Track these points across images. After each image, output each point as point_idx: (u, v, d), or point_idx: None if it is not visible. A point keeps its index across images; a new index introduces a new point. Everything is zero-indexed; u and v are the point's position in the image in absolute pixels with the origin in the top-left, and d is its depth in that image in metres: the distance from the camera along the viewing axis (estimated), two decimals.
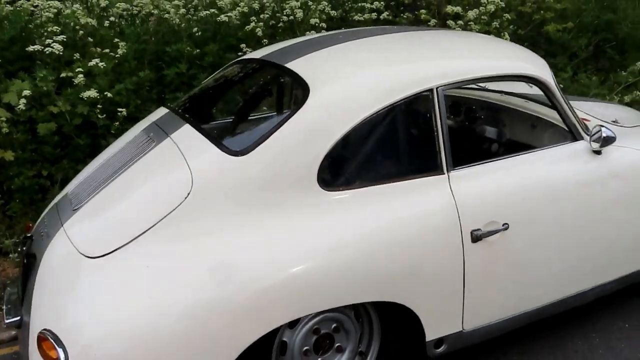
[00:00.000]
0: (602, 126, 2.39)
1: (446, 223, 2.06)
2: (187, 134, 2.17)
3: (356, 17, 4.34)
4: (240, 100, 2.82)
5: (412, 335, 2.11)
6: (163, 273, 1.83)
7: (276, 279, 1.83)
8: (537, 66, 2.42)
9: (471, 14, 4.27)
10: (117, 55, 3.82)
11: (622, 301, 2.81)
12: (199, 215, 1.91)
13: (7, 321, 2.09)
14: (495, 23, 4.39)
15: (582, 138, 2.44)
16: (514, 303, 2.30)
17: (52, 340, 1.75)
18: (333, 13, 4.31)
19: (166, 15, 4.26)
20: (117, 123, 3.58)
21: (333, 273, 1.90)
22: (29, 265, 2.11)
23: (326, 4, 4.25)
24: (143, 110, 3.70)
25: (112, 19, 4.32)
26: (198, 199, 1.92)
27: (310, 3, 4.30)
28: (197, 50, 4.19)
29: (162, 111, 2.56)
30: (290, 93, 2.52)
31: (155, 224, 1.90)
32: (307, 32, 4.19)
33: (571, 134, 2.44)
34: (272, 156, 1.96)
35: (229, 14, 4.28)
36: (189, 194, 1.92)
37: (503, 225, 2.13)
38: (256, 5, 4.40)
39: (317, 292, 1.88)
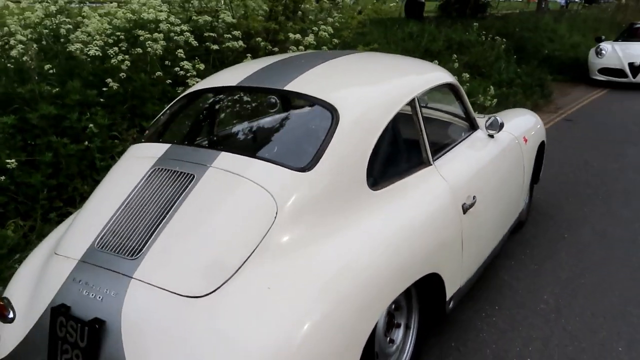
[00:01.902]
0: (495, 116, 3.27)
1: (448, 201, 2.61)
2: (234, 160, 2.22)
3: (213, 47, 4.53)
4: (257, 124, 2.86)
5: (436, 300, 2.59)
6: (288, 285, 1.92)
7: (378, 267, 2.12)
8: (448, 75, 3.16)
9: (308, 39, 4.88)
10: None
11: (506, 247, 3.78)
12: (291, 229, 2.05)
13: None
14: (324, 47, 5.11)
15: (478, 128, 3.28)
16: (479, 255, 2.98)
17: None
18: (195, 43, 4.41)
19: (13, 52, 3.75)
20: None
21: (403, 257, 2.26)
22: (94, 333, 1.88)
23: (189, 35, 4.33)
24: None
25: None
26: (285, 216, 2.05)
27: (172, 34, 4.31)
28: (57, 89, 3.82)
29: (155, 147, 2.45)
30: (308, 113, 2.71)
31: (255, 249, 1.97)
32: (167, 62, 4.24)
33: (472, 126, 3.26)
34: (332, 168, 2.22)
35: (83, 48, 3.99)
36: (276, 213, 2.04)
37: (474, 198, 2.79)
38: (111, 40, 4.20)
39: (402, 273, 2.22)
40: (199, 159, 2.27)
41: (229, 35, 4.57)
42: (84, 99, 3.89)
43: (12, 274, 3.06)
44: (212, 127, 2.90)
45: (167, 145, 2.43)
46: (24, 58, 3.75)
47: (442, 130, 3.35)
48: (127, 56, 4.03)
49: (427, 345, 2.74)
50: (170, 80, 4.30)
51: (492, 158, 3.22)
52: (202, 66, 4.33)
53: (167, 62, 4.32)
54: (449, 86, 3.11)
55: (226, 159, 2.23)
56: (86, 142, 3.72)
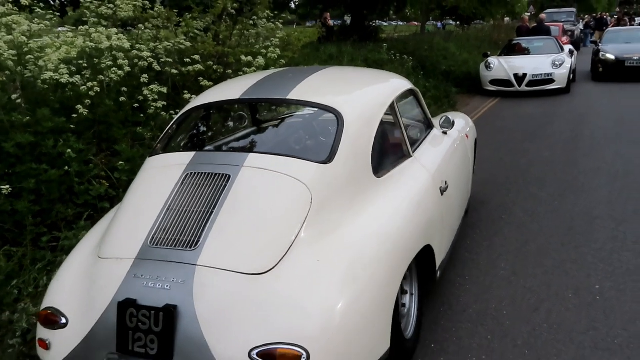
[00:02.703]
0: (446, 116, 3.83)
1: (430, 185, 3.10)
2: (264, 159, 2.53)
3: (173, 71, 4.75)
4: (269, 128, 3.14)
5: (428, 270, 3.03)
6: (332, 256, 2.27)
7: (395, 238, 2.53)
8: (408, 82, 3.67)
9: (259, 61, 5.25)
10: None
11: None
12: (324, 211, 2.41)
13: None
14: (271, 67, 5.50)
15: (434, 127, 3.82)
16: (452, 232, 3.49)
17: (294, 348, 1.99)
18: (158, 68, 4.61)
19: None
20: None
21: (409, 230, 2.69)
22: (169, 317, 2.10)
23: (152, 60, 4.52)
24: None
25: None
26: (319, 200, 2.41)
27: (136, 60, 4.48)
28: (28, 118, 3.87)
29: (177, 156, 2.70)
30: (314, 116, 3.05)
31: (300, 230, 2.31)
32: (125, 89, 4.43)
33: (429, 125, 3.80)
34: (346, 160, 2.61)
35: (52, 76, 4.06)
36: (312, 199, 2.39)
37: (446, 182, 3.30)
38: (73, 68, 4.29)
39: (411, 243, 2.65)
40: (229, 161, 2.56)
41: (188, 60, 4.81)
42: (54, 126, 3.95)
43: (13, 300, 3.13)
44: (226, 134, 3.17)
45: (191, 153, 2.69)
46: None
47: (409, 129, 3.86)
48: (95, 83, 4.15)
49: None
50: (137, 104, 4.45)
51: (450, 150, 3.77)
52: (164, 89, 4.54)
53: (124, 89, 4.46)
54: (411, 91, 3.62)
55: (256, 159, 2.55)
56: (66, 167, 3.79)
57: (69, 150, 3.84)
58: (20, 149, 3.73)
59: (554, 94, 11.63)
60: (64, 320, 2.33)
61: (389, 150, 3.08)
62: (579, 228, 4.38)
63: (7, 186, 3.28)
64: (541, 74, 11.83)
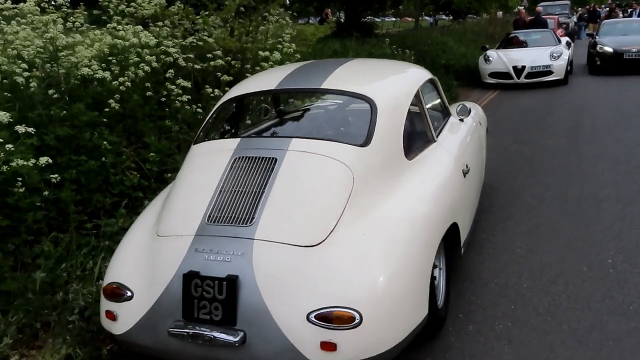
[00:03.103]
0: (463, 104, 4.05)
1: (455, 168, 3.32)
2: (307, 143, 2.75)
3: (196, 66, 4.95)
4: (307, 115, 3.37)
5: (453, 246, 3.25)
6: (376, 231, 2.49)
7: (429, 214, 2.75)
8: (429, 72, 3.88)
9: (275, 55, 5.45)
10: None
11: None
12: (365, 190, 2.63)
13: (229, 339, 2.26)
14: (287, 62, 5.69)
15: (451, 114, 4.04)
16: (472, 212, 3.71)
17: (348, 310, 2.20)
18: (183, 64, 4.80)
19: (18, 79, 3.91)
20: None
21: (439, 207, 2.91)
22: (232, 285, 2.31)
23: (178, 56, 4.71)
24: None
25: None
26: (359, 180, 2.63)
27: (162, 56, 4.67)
28: (64, 112, 4.06)
29: (223, 142, 2.92)
30: (348, 103, 3.26)
31: (345, 206, 2.53)
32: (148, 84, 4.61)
33: (447, 113, 4.01)
34: (381, 144, 2.83)
35: (88, 71, 4.24)
36: (353, 178, 2.61)
37: (467, 166, 3.51)
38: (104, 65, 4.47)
39: (442, 219, 2.86)
40: (274, 146, 2.78)
41: (210, 55, 5.01)
42: (89, 120, 4.14)
43: (63, 282, 3.33)
44: (265, 122, 3.39)
45: (236, 140, 2.91)
46: (31, 84, 3.94)
47: (431, 116, 4.08)
48: (126, 78, 4.34)
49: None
50: (164, 98, 4.65)
51: (468, 137, 3.99)
52: (188, 84, 4.73)
53: (147, 84, 4.64)
54: (431, 81, 3.83)
55: (300, 143, 2.76)
56: (103, 159, 3.98)
57: (105, 142, 4.03)
58: (59, 141, 3.92)
59: (552, 86, 11.87)
60: (129, 293, 2.54)
61: (416, 135, 3.29)
62: (587, 210, 4.61)
63: (56, 175, 3.46)
64: (539, 66, 12.06)
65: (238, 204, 2.55)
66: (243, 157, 2.75)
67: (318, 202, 2.55)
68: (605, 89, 11.29)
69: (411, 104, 3.23)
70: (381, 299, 2.31)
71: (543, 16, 16.02)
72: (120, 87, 4.32)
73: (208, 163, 2.86)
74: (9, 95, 3.92)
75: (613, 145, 6.64)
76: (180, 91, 4.70)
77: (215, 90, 4.94)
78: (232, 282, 2.32)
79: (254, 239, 2.41)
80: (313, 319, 2.23)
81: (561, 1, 26.06)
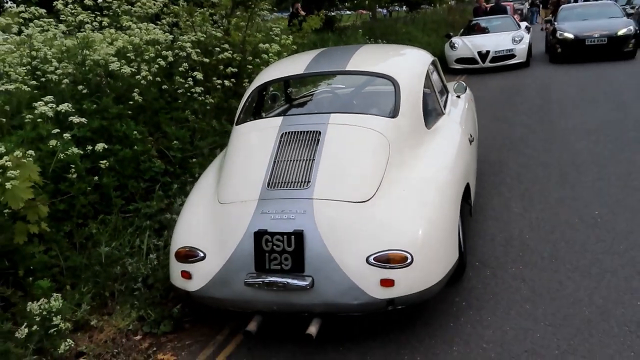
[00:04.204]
0: (459, 82, 4.52)
1: (462, 137, 3.77)
2: (345, 117, 3.16)
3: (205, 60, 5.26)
4: (339, 94, 3.75)
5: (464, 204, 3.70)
6: (413, 187, 2.92)
7: (453, 172, 3.20)
8: (431, 55, 4.32)
9: (275, 46, 5.80)
10: None
11: None
12: (400, 154, 3.05)
13: (301, 284, 2.65)
14: (284, 54, 6.05)
15: (449, 92, 4.50)
16: (476, 176, 4.17)
17: (401, 252, 2.62)
18: (196, 58, 5.11)
19: (52, 77, 4.16)
20: None
21: (459, 167, 3.36)
22: (300, 238, 2.69)
23: (191, 50, 5.02)
24: None
25: None
26: (394, 145, 3.05)
27: (177, 51, 4.97)
28: (95, 105, 4.33)
29: (266, 121, 3.31)
30: (370, 82, 3.68)
31: (386, 168, 2.94)
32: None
33: (446, 90, 4.47)
34: (407, 116, 3.25)
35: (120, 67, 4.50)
36: (389, 145, 3.02)
37: (471, 135, 3.98)
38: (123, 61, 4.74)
39: (461, 178, 3.31)
40: (316, 121, 3.16)
41: (217, 49, 5.33)
42: (117, 112, 4.42)
43: (117, 258, 3.63)
44: (300, 100, 3.76)
45: (278, 118, 3.28)
46: (64, 81, 4.19)
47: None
48: (147, 72, 4.62)
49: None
50: (180, 90, 4.95)
51: (466, 110, 4.46)
52: (201, 76, 5.05)
53: (158, 78, 4.94)
54: (434, 62, 4.27)
55: (339, 117, 3.16)
56: (135, 147, 4.28)
57: (135, 132, 4.32)
58: (93, 133, 4.19)
59: (516, 68, 12.55)
60: (201, 254, 2.88)
61: (431, 109, 3.73)
62: (569, 173, 5.17)
63: (105, 161, 3.75)
64: (503, 50, 12.71)
65: (293, 171, 2.93)
66: (290, 132, 3.13)
67: (363, 165, 2.95)
68: (565, 69, 12.04)
69: (427, 80, 3.65)
70: (426, 242, 2.73)
71: (504, 3, 16.75)
72: (142, 82, 4.60)
73: (257, 139, 3.23)
74: (42, 92, 4.16)
75: (581, 118, 7.26)
76: (192, 83, 5.01)
77: (224, 81, 5.27)
78: (299, 235, 2.70)
79: (312, 199, 2.79)
80: (372, 260, 2.63)
81: None
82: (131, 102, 4.54)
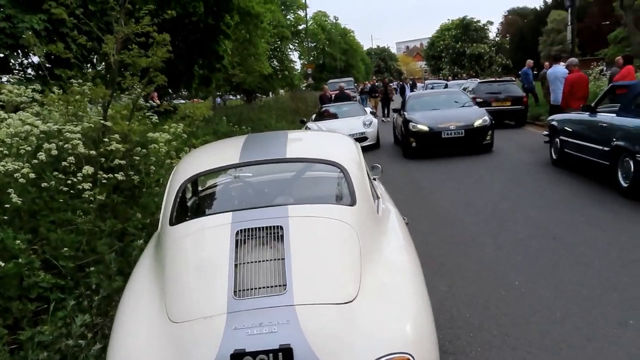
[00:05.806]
0: (375, 164, 4.55)
1: (400, 217, 3.71)
2: (305, 208, 2.95)
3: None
4: (285, 183, 3.46)
5: None
6: (390, 277, 2.74)
7: (411, 249, 3.07)
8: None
9: (164, 136, 5.37)
10: None
11: None
12: (366, 242, 2.86)
13: None
14: (174, 142, 5.63)
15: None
16: None
17: (403, 354, 2.36)
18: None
19: None
20: None
21: (412, 246, 3.24)
22: (289, 353, 2.30)
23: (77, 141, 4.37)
24: None
25: None
26: (361, 236, 2.84)
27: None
28: None
29: (213, 218, 2.92)
30: (309, 168, 3.46)
31: (360, 261, 2.72)
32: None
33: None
34: (363, 203, 3.10)
35: None
36: (357, 235, 2.84)
37: (405, 218, 3.95)
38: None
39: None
40: (274, 215, 2.85)
41: (106, 140, 4.72)
42: None
43: None
44: (242, 193, 3.36)
45: (227, 214, 2.89)
46: None
47: None
48: (28, 169, 3.88)
49: None
50: (66, 188, 4.22)
51: (387, 193, 4.46)
52: (90, 169, 4.41)
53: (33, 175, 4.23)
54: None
55: (298, 209, 2.89)
56: (19, 259, 3.48)
57: (18, 242, 3.53)
58: None
59: (369, 150, 13.31)
60: None
61: (372, 194, 3.63)
62: (472, 247, 5.41)
63: None
64: (356, 133, 13.40)
65: (262, 274, 2.55)
66: (246, 229, 2.76)
67: (339, 260, 2.69)
68: (424, 165, 12.95)
69: None
70: (423, 336, 2.51)
71: (346, 90, 18.07)
72: (20, 180, 3.85)
73: (206, 240, 2.79)
74: None
75: (449, 190, 7.86)
76: (80, 178, 4.35)
77: (115, 174, 4.67)
78: (287, 351, 2.30)
79: (294, 305, 2.43)
80: None
81: (346, 78, 29.65)
82: (7, 205, 3.75)
